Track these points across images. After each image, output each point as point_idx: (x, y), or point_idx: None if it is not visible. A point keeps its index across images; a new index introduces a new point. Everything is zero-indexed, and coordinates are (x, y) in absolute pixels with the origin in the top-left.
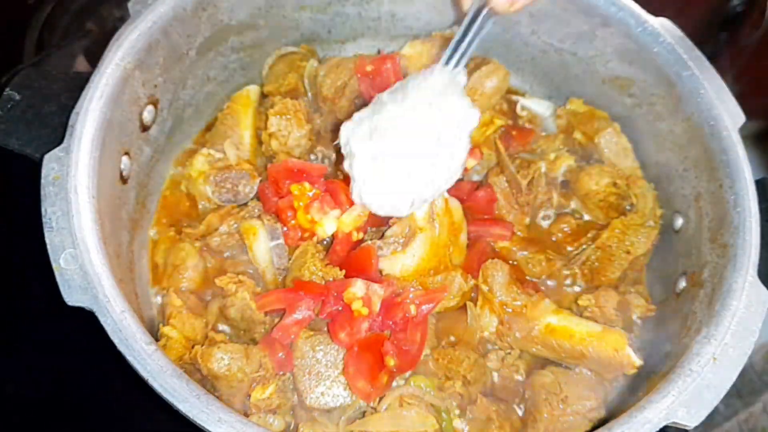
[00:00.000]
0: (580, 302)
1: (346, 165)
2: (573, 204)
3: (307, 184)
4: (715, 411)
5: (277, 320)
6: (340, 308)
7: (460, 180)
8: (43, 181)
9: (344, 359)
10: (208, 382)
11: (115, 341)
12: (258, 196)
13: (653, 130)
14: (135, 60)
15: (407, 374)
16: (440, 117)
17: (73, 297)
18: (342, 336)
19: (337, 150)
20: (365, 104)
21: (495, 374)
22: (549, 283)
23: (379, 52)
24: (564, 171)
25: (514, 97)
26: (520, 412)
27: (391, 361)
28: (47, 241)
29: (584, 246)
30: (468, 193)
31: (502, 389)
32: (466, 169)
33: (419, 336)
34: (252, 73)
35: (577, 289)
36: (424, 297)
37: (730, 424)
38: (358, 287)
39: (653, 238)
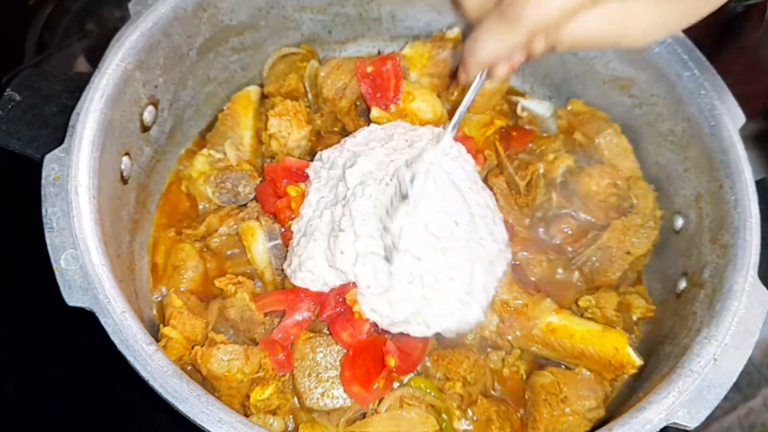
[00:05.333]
0: (580, 303)
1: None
2: (573, 205)
3: (303, 185)
4: None
5: (277, 321)
6: (341, 310)
7: None
8: (43, 181)
9: (341, 363)
10: (207, 383)
11: (116, 342)
12: (257, 197)
13: (653, 131)
14: (135, 60)
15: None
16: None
17: (73, 297)
18: (345, 336)
19: None
20: (366, 106)
21: (495, 374)
22: (549, 282)
23: (379, 52)
24: (563, 172)
25: (515, 98)
26: (520, 413)
27: (392, 361)
28: (48, 241)
29: (585, 247)
30: None
31: (502, 389)
32: None
33: (421, 342)
34: (252, 73)
35: (577, 287)
36: None
37: (729, 420)
38: None
39: (653, 239)
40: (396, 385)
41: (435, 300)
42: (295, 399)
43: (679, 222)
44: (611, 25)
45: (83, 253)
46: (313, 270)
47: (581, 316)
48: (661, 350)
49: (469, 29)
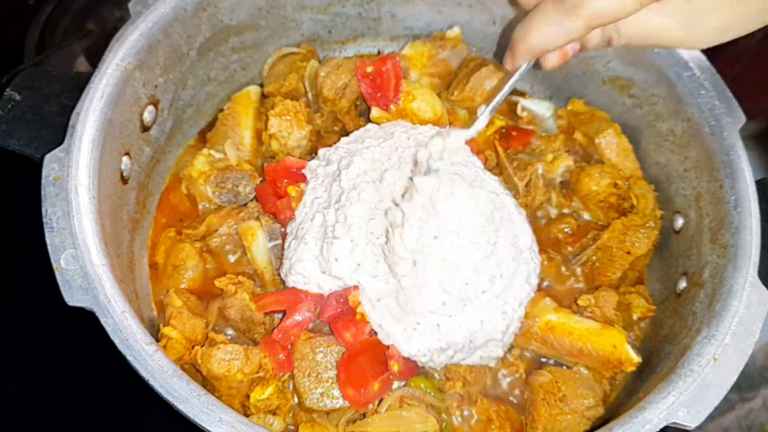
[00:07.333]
0: (579, 302)
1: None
2: (574, 204)
3: (303, 185)
4: None
5: (277, 321)
6: (342, 310)
7: None
8: (43, 181)
9: (337, 365)
10: (208, 383)
11: (116, 341)
12: (257, 197)
13: (653, 131)
14: (136, 60)
15: None
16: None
17: (73, 297)
18: (347, 336)
19: None
20: (366, 106)
21: (495, 374)
22: (549, 282)
23: (379, 52)
24: (562, 172)
25: (515, 98)
26: (519, 412)
27: (395, 366)
28: (48, 241)
29: (585, 246)
30: None
31: (502, 389)
32: None
33: None
34: (252, 73)
35: (577, 287)
36: None
37: (728, 420)
38: None
39: (654, 239)
40: (396, 384)
41: (473, 355)
42: (296, 399)
43: (679, 222)
44: (675, 23)
45: (83, 253)
46: (303, 273)
47: (580, 315)
48: (661, 350)
49: (469, 27)
